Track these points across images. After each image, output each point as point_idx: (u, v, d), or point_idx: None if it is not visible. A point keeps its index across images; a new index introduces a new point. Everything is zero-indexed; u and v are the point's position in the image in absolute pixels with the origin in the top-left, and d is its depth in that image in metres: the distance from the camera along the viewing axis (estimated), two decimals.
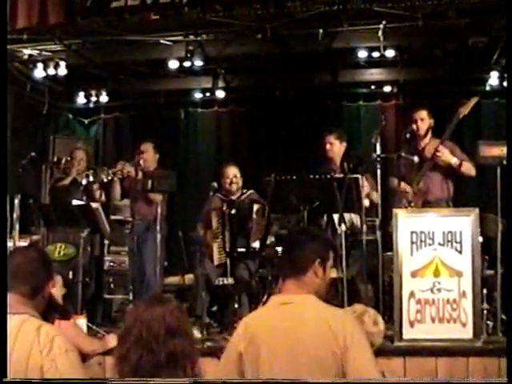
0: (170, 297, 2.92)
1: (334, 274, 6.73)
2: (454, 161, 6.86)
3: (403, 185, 6.92)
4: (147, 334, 2.57)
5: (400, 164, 6.93)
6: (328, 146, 7.50)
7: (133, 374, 2.52)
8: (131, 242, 7.59)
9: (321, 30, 7.83)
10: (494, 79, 9.00)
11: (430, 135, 7.10)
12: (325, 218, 7.03)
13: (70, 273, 6.96)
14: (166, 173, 7.81)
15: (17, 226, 7.40)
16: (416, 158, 6.77)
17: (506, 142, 5.80)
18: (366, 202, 6.90)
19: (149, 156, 7.81)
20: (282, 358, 3.04)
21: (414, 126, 7.05)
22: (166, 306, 2.67)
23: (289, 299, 3.19)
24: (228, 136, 10.54)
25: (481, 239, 5.95)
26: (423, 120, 7.05)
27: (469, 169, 6.86)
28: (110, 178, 7.42)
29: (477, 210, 6.01)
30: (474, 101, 6.87)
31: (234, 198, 7.50)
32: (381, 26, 7.66)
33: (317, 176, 6.73)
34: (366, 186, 6.87)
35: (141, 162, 7.45)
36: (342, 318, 3.14)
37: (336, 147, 7.49)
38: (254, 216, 7.15)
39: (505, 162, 6.09)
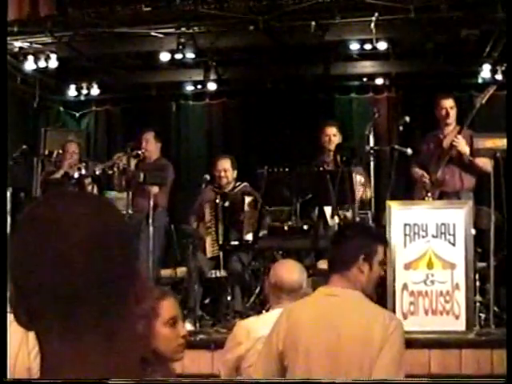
0: None
1: (325, 265, 6.74)
2: (468, 152, 6.82)
3: (423, 174, 6.95)
4: None
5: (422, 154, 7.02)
6: (329, 139, 7.48)
7: None
8: None
9: (313, 23, 7.83)
10: (486, 72, 8.99)
11: (454, 123, 7.11)
12: (316, 210, 7.03)
13: None
14: (159, 165, 7.82)
15: (8, 219, 7.36)
16: (409, 150, 6.78)
17: (507, 136, 5.79)
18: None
19: (150, 145, 7.82)
20: (319, 348, 3.04)
21: (443, 114, 7.05)
22: None
23: (334, 292, 3.17)
24: (220, 128, 10.51)
25: (474, 231, 5.97)
26: (452, 108, 7.06)
27: (484, 163, 6.70)
28: (109, 171, 7.44)
29: (470, 203, 6.03)
30: (491, 90, 6.86)
31: (226, 190, 7.49)
32: (373, 18, 7.66)
33: (310, 168, 6.73)
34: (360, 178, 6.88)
35: (140, 152, 7.45)
36: (386, 318, 3.08)
37: (337, 139, 7.50)
38: (247, 208, 7.15)
39: (498, 155, 6.11)
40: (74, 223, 1.06)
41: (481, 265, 6.42)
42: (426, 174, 6.95)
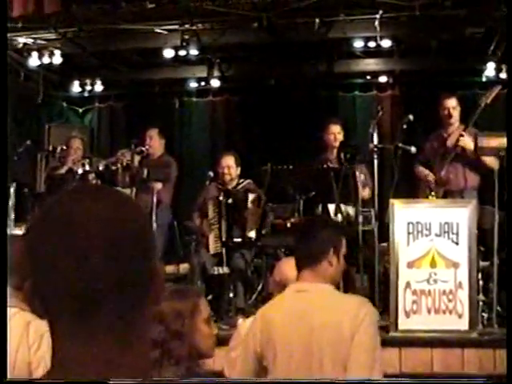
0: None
1: None
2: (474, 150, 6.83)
3: (427, 173, 6.96)
4: None
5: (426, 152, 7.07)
6: (334, 136, 7.50)
7: None
8: None
9: (317, 20, 7.82)
10: (490, 70, 8.97)
11: (458, 122, 7.12)
12: (320, 208, 7.03)
13: None
14: (163, 161, 7.83)
15: (12, 215, 7.38)
16: (413, 149, 6.77)
17: (506, 135, 5.79)
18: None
19: (154, 142, 7.86)
20: (295, 345, 3.06)
21: (446, 114, 7.06)
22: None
23: (304, 287, 3.18)
24: (223, 125, 10.50)
25: (475, 231, 5.95)
26: (455, 108, 7.07)
27: (489, 161, 6.70)
28: (112, 167, 7.45)
29: (474, 202, 6.02)
30: (496, 90, 6.84)
31: (230, 187, 7.49)
32: (377, 15, 7.64)
33: (313, 166, 6.73)
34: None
35: (144, 148, 7.46)
36: (356, 307, 3.11)
37: (341, 137, 7.52)
38: (250, 205, 7.15)
39: (502, 153, 6.10)
40: (93, 220, 1.05)
41: (484, 264, 6.41)
42: (430, 173, 6.96)
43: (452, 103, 7.06)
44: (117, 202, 1.10)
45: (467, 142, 6.80)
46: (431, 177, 6.94)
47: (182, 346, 2.66)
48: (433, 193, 6.56)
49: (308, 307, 3.11)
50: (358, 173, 6.59)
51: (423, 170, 7.07)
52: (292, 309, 3.16)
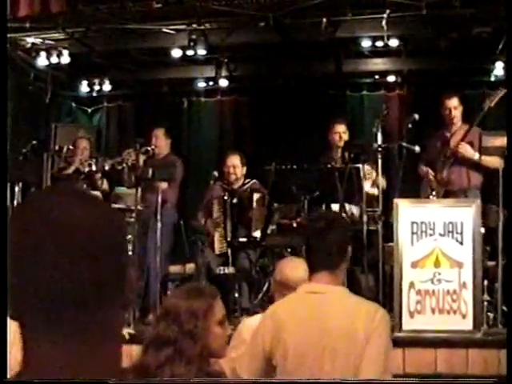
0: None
1: None
2: (476, 157, 6.85)
3: (429, 172, 6.94)
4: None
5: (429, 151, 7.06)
6: (339, 136, 7.50)
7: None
8: (134, 231, 7.57)
9: (324, 19, 7.80)
10: (499, 69, 8.93)
11: (460, 122, 7.11)
12: (323, 207, 7.02)
13: None
14: (168, 161, 7.83)
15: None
16: (417, 148, 6.74)
17: (507, 135, 5.78)
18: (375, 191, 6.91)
19: (160, 142, 7.86)
20: (308, 346, 3.03)
21: (447, 114, 7.06)
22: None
23: (319, 289, 3.11)
24: (231, 125, 10.49)
25: (483, 230, 5.93)
26: (456, 108, 7.06)
27: (491, 162, 6.73)
28: (118, 167, 7.46)
29: (478, 201, 5.99)
30: (501, 93, 6.81)
31: (235, 187, 7.50)
32: (385, 15, 7.61)
33: (317, 166, 6.72)
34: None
35: (149, 148, 7.46)
36: (373, 310, 3.08)
37: (346, 136, 7.53)
38: (255, 205, 7.15)
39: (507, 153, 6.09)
40: (66, 223, 1.05)
41: (491, 263, 6.38)
42: (431, 172, 6.94)
43: (453, 103, 7.05)
44: (90, 205, 1.10)
45: (467, 151, 6.81)
46: (432, 176, 6.93)
47: (194, 345, 2.67)
48: (434, 192, 6.54)
49: (322, 309, 3.07)
50: (362, 167, 6.58)
51: (425, 169, 7.05)
52: (306, 310, 3.11)
